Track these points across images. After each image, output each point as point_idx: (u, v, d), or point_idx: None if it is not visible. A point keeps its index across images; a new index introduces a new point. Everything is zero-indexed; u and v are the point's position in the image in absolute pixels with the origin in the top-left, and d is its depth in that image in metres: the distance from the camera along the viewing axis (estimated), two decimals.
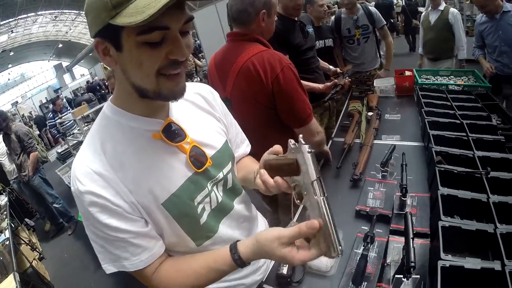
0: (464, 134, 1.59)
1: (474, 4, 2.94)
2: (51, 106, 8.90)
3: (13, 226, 3.54)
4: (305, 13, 2.68)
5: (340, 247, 0.62)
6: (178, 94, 0.70)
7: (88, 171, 0.71)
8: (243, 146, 1.09)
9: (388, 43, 3.37)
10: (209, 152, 0.86)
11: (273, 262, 1.19)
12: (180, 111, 0.84)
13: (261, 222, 1.16)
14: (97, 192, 0.70)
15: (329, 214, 0.61)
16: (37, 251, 3.85)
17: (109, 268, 0.77)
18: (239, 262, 0.74)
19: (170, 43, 0.63)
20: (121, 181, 0.72)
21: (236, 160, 1.05)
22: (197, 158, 0.82)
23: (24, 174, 3.97)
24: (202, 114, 0.92)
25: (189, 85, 0.87)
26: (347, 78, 2.33)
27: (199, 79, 6.08)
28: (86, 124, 4.49)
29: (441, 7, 3.61)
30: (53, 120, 7.11)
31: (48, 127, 8.73)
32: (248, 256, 0.73)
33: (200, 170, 0.83)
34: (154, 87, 0.67)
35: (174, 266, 0.81)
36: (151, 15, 0.53)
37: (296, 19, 2.18)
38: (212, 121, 0.94)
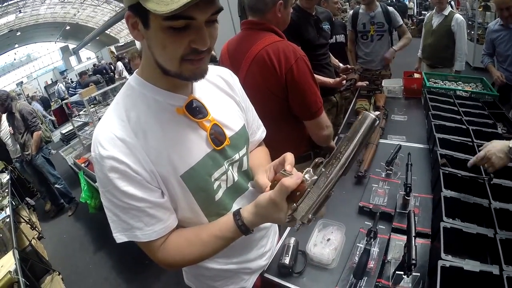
0: (470, 139, 1.61)
1: (497, 6, 2.77)
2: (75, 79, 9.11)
3: (13, 204, 3.55)
4: (325, 9, 2.67)
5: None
6: (198, 75, 0.72)
7: (112, 137, 0.71)
8: (259, 132, 1.11)
9: (407, 37, 3.27)
10: (228, 133, 0.88)
11: (277, 249, 1.22)
12: (202, 90, 0.86)
13: None
14: (119, 158, 0.70)
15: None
16: (37, 230, 3.88)
17: (120, 237, 0.77)
18: (243, 228, 0.77)
19: (194, 32, 0.64)
20: (143, 149, 0.73)
21: (252, 146, 1.07)
22: (216, 136, 0.84)
23: (27, 153, 3.98)
24: (223, 96, 0.94)
25: (212, 68, 0.89)
26: (358, 73, 2.33)
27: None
28: (92, 106, 4.49)
29: (446, 12, 3.40)
30: (74, 91, 7.46)
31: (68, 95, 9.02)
32: (251, 220, 0.76)
33: (218, 148, 0.85)
34: (176, 70, 0.69)
35: (180, 237, 0.82)
36: (172, 10, 0.55)
37: (314, 14, 2.18)
38: (232, 103, 0.96)
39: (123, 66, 11.29)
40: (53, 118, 9.16)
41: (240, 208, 0.80)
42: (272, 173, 0.82)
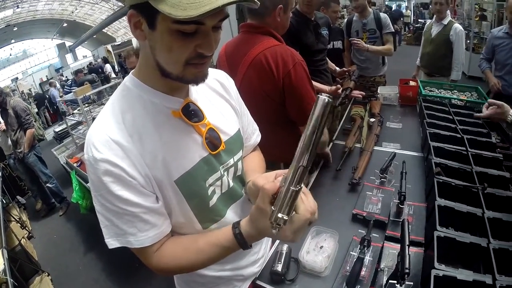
0: (464, 148, 1.61)
1: (510, 10, 2.72)
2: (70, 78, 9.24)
3: (4, 202, 3.49)
4: (324, 15, 2.68)
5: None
6: (199, 79, 0.71)
7: (107, 139, 0.70)
8: (254, 136, 1.10)
9: (388, 48, 3.27)
10: (223, 137, 0.87)
11: (269, 256, 1.21)
12: (198, 93, 0.85)
13: None
14: (114, 161, 0.69)
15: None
16: (27, 230, 3.83)
17: (112, 243, 0.75)
18: (239, 237, 0.73)
19: (201, 37, 0.64)
20: (139, 152, 0.72)
21: (247, 150, 1.06)
22: (211, 140, 0.83)
23: (19, 150, 3.94)
24: (219, 99, 0.93)
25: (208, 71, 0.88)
26: (354, 79, 2.32)
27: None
28: (86, 105, 4.46)
29: (445, 21, 3.38)
30: (69, 89, 7.49)
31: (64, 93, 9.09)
32: (247, 230, 0.73)
33: (214, 152, 0.83)
34: (178, 73, 0.68)
35: (176, 244, 0.81)
36: (191, 17, 0.55)
37: (313, 19, 2.18)
38: (227, 107, 0.95)
39: (111, 69, 11.28)
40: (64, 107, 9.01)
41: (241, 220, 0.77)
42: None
